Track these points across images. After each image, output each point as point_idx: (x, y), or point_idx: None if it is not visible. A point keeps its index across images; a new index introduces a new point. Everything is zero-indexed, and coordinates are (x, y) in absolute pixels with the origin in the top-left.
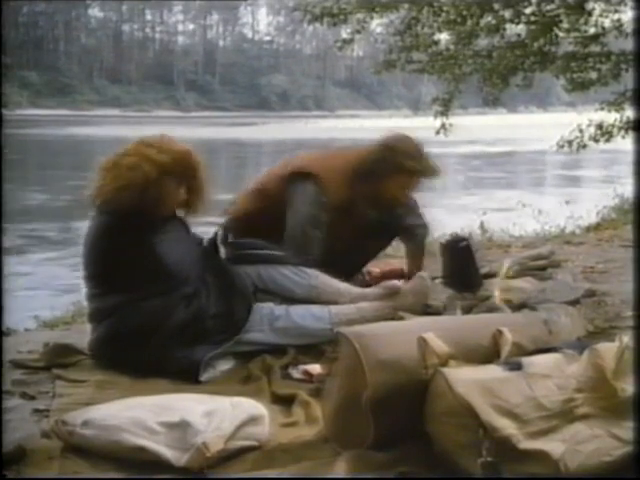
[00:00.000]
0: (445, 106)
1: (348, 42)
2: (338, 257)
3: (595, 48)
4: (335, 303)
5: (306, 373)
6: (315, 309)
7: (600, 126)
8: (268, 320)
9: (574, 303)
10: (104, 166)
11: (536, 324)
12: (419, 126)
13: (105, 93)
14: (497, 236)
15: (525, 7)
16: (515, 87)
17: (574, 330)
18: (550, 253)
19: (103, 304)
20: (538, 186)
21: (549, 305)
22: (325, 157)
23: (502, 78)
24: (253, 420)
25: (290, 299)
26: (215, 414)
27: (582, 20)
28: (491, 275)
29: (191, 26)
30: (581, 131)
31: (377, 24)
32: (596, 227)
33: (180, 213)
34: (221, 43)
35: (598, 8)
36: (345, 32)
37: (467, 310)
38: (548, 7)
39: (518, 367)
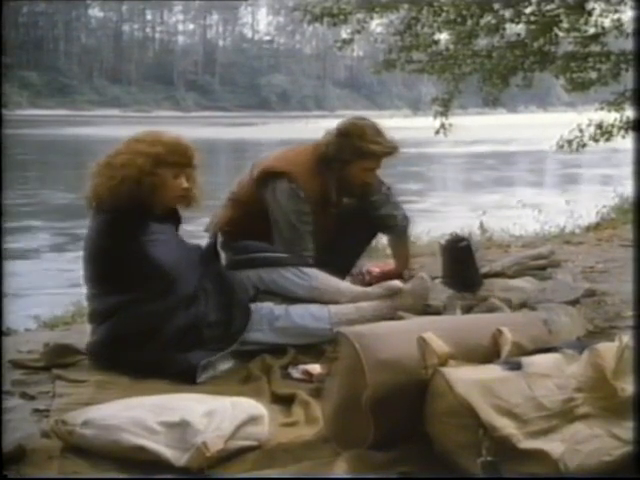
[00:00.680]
0: (445, 106)
1: (348, 42)
2: (327, 252)
3: (595, 48)
4: (336, 303)
5: (306, 373)
6: (314, 309)
7: (600, 126)
8: (267, 320)
9: (574, 303)
10: (97, 168)
11: (536, 324)
12: (419, 126)
13: (105, 93)
14: (497, 236)
15: (525, 7)
16: (515, 87)
17: (574, 330)
18: (550, 253)
19: (102, 305)
20: (561, 184)
21: (549, 305)
22: (288, 154)
23: (502, 78)
24: (253, 420)
25: (291, 299)
26: (215, 414)
27: (582, 20)
28: (491, 275)
29: (191, 26)
30: (581, 131)
31: (377, 24)
32: (596, 227)
33: (181, 207)
34: (221, 43)
35: (598, 8)
36: (345, 32)
37: (467, 310)
38: (548, 7)
39: (518, 367)
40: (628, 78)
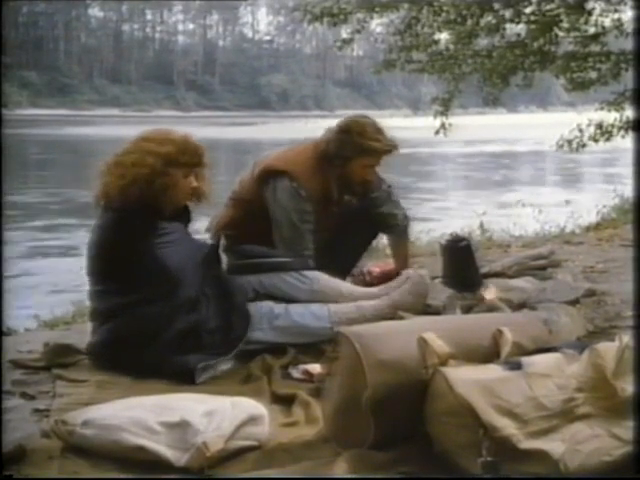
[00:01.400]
0: (445, 106)
1: (348, 42)
2: (328, 252)
3: (595, 48)
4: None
5: (306, 373)
6: (315, 308)
7: (600, 126)
8: (268, 319)
9: (574, 303)
10: (106, 167)
11: (536, 324)
12: (419, 126)
13: (105, 93)
14: (497, 236)
15: (525, 7)
16: (515, 87)
17: (574, 330)
18: (550, 253)
19: (105, 305)
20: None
21: (549, 305)
22: (288, 153)
23: (502, 78)
24: (253, 420)
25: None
26: (215, 414)
27: (582, 20)
28: (491, 275)
29: (191, 26)
30: (581, 131)
31: (377, 24)
32: (596, 227)
33: (191, 204)
34: (221, 43)
35: (598, 8)
36: (345, 32)
37: (467, 310)
38: (548, 7)
39: (518, 367)
40: (628, 78)
